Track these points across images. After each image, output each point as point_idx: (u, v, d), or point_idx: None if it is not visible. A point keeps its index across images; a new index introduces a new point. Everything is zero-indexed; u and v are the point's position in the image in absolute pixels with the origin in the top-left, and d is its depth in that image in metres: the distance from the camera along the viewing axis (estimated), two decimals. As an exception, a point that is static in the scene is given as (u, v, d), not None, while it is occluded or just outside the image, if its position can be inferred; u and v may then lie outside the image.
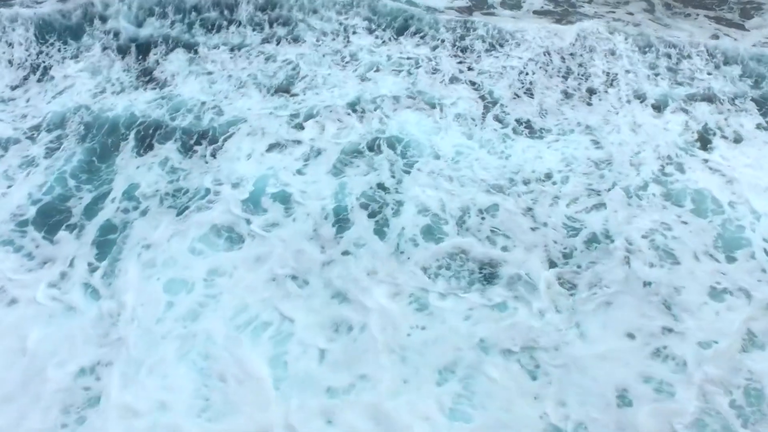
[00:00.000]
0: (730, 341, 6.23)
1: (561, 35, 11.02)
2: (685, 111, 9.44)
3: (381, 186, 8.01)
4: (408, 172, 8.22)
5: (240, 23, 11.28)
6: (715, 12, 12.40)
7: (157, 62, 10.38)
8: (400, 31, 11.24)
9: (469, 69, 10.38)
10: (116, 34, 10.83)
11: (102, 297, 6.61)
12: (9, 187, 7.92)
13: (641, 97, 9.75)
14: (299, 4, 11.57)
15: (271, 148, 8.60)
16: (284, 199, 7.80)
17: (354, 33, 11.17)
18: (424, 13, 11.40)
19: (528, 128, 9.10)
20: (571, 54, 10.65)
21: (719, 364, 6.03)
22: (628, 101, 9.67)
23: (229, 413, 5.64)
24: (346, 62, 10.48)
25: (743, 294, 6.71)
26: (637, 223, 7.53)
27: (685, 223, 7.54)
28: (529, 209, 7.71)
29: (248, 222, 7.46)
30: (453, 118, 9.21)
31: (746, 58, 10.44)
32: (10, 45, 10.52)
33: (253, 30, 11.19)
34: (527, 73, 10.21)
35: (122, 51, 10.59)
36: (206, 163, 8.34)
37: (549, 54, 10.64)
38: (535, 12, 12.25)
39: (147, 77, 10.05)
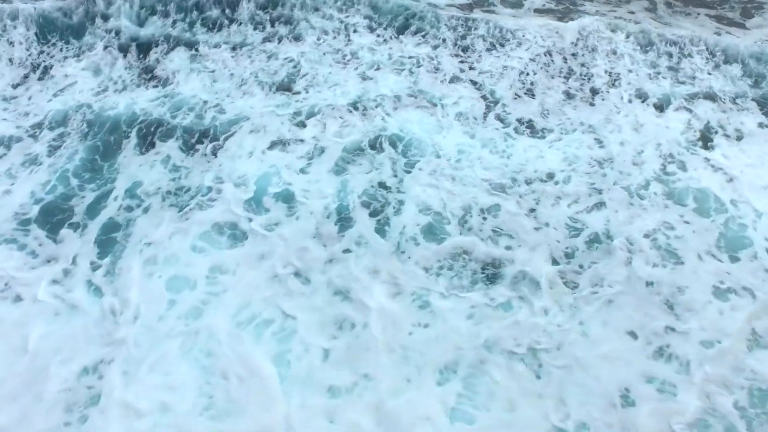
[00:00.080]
0: (734, 341, 6.24)
1: (562, 33, 11.02)
2: (687, 110, 9.44)
3: (383, 185, 8.01)
4: (410, 171, 8.22)
5: (241, 22, 11.27)
6: (716, 11, 12.41)
7: (158, 60, 10.36)
8: (401, 30, 11.23)
9: (471, 68, 10.37)
10: (118, 33, 10.83)
11: (105, 295, 6.61)
12: (12, 185, 7.92)
13: (643, 96, 9.74)
14: (300, 2, 11.56)
15: (273, 146, 8.60)
16: (286, 197, 7.80)
17: (355, 31, 11.16)
18: (425, 11, 11.39)
19: (529, 128, 9.10)
20: (573, 54, 10.65)
21: (722, 364, 6.04)
22: (630, 100, 9.66)
23: (231, 411, 5.65)
24: (348, 60, 10.47)
25: (747, 293, 6.71)
26: (640, 222, 7.53)
27: (687, 222, 7.55)
28: (531, 209, 7.71)
29: (250, 220, 7.47)
30: (455, 117, 9.20)
31: (746, 56, 10.43)
32: (11, 43, 10.50)
33: (255, 29, 11.19)
34: (528, 74, 10.20)
35: (124, 49, 10.58)
36: (208, 161, 8.34)
37: (550, 53, 10.64)
38: (536, 10, 12.25)
39: (149, 75, 10.04)
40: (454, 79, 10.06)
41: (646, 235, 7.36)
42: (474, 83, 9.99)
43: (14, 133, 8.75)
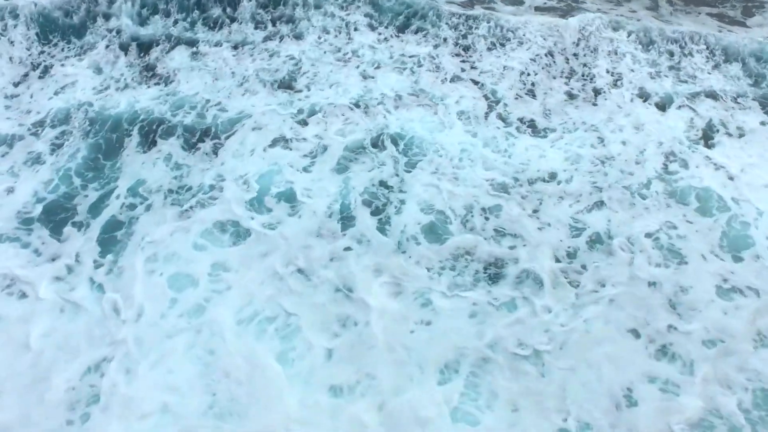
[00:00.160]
0: (738, 341, 6.24)
1: (563, 30, 11.01)
2: (689, 108, 9.44)
3: (384, 184, 8.01)
4: (411, 170, 8.22)
5: (242, 20, 11.26)
6: (717, 9, 12.41)
7: (159, 59, 10.35)
8: (402, 29, 11.23)
9: (472, 67, 10.36)
10: (119, 32, 10.81)
11: (107, 293, 6.61)
12: (15, 183, 7.91)
13: (645, 96, 9.74)
14: (302, 0, 11.55)
15: (275, 144, 8.60)
16: (288, 195, 7.80)
17: (356, 30, 11.15)
18: (426, 10, 11.38)
19: (531, 127, 9.10)
20: (575, 54, 10.65)
21: (726, 364, 6.05)
22: (632, 99, 9.66)
23: (234, 409, 5.65)
24: (349, 59, 10.47)
25: (752, 293, 6.72)
26: (642, 221, 7.54)
27: (690, 222, 7.55)
28: (534, 209, 7.71)
29: (252, 218, 7.47)
30: (456, 116, 9.20)
31: (747, 54, 10.44)
32: (12, 43, 10.48)
33: (256, 27, 11.18)
34: (529, 74, 10.20)
35: (125, 48, 10.57)
36: (210, 159, 8.34)
37: (551, 52, 10.64)
38: (536, 8, 12.24)
39: (150, 73, 10.03)
40: (455, 79, 10.06)
41: (649, 235, 7.36)
42: (475, 82, 9.99)
43: (17, 131, 8.74)
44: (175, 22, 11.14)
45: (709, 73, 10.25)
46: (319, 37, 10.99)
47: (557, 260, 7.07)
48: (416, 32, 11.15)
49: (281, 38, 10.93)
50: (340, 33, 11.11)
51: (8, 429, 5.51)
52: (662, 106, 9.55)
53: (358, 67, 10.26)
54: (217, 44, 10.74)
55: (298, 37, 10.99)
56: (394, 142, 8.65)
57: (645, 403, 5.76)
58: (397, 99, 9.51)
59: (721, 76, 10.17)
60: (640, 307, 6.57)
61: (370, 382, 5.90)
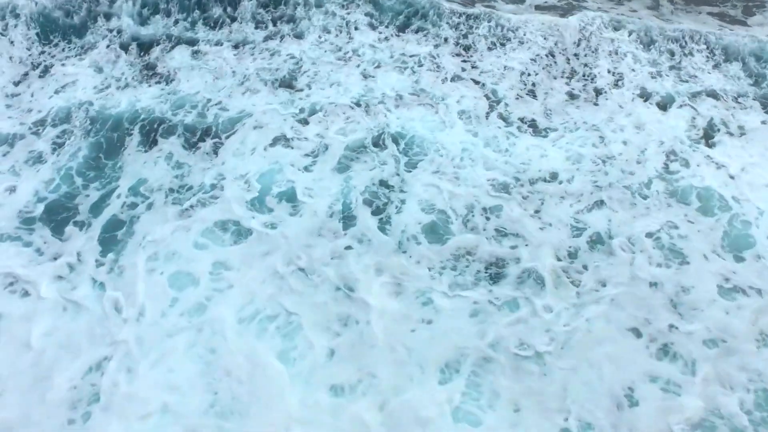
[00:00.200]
0: (740, 341, 6.24)
1: (564, 30, 11.00)
2: (690, 108, 9.44)
3: (385, 183, 8.01)
4: (412, 170, 8.22)
5: (243, 20, 11.25)
6: (718, 8, 12.41)
7: (158, 58, 10.34)
8: (403, 28, 11.23)
9: (473, 67, 10.36)
10: (120, 31, 10.81)
11: (109, 292, 6.61)
12: (16, 183, 7.90)
13: (646, 95, 9.74)
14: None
15: (276, 143, 8.59)
16: (289, 194, 7.80)
17: (356, 29, 11.15)
18: (427, 9, 11.38)
19: (532, 126, 9.10)
20: (575, 54, 10.64)
21: (728, 364, 6.04)
22: (632, 99, 9.66)
23: (235, 408, 5.65)
24: (349, 58, 10.46)
25: (754, 292, 6.72)
26: (643, 221, 7.54)
27: (691, 222, 7.55)
28: (535, 209, 7.71)
29: (252, 217, 7.46)
30: (457, 115, 9.19)
31: (747, 54, 10.44)
32: (12, 42, 10.47)
33: (256, 27, 11.18)
34: (530, 74, 10.19)
35: (125, 47, 10.56)
36: (211, 159, 8.34)
37: (552, 52, 10.64)
38: (537, 7, 12.23)
39: (151, 72, 10.02)
40: (455, 78, 10.05)
41: (650, 234, 7.36)
42: (476, 82, 9.99)
43: (18, 130, 8.73)
44: (176, 21, 11.13)
45: (710, 73, 10.25)
46: (320, 37, 10.98)
47: (558, 260, 7.07)
48: (417, 32, 11.15)
49: (282, 38, 10.92)
50: (340, 32, 11.11)
51: (10, 428, 5.51)
52: (663, 106, 9.55)
53: (358, 66, 10.26)
54: (218, 43, 10.74)
55: (299, 36, 10.99)
56: (395, 142, 8.65)
57: (646, 403, 5.76)
58: (398, 99, 9.50)
59: (722, 76, 10.17)
60: (642, 307, 6.57)
61: (371, 381, 5.90)
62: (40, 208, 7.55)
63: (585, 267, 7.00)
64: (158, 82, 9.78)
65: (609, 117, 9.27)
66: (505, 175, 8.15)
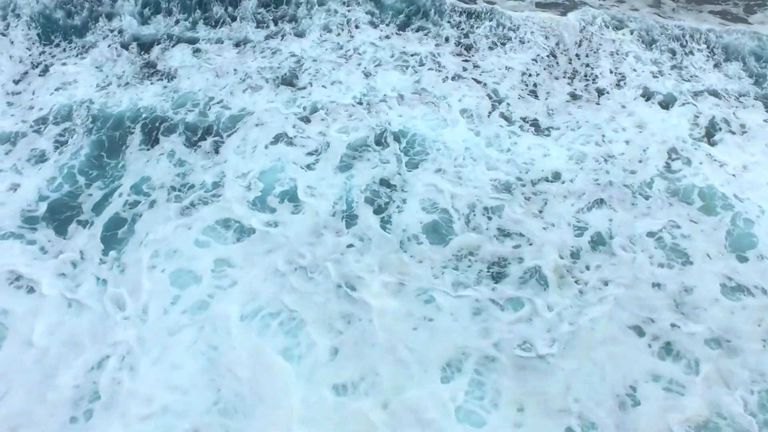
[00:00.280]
0: (744, 340, 6.24)
1: (564, 26, 10.99)
2: (692, 107, 9.44)
3: (387, 182, 8.00)
4: (414, 169, 8.21)
5: (244, 19, 11.24)
6: (720, 6, 12.40)
7: (159, 57, 10.32)
8: (403, 27, 11.22)
9: (475, 66, 10.35)
10: (121, 31, 10.79)
11: (111, 289, 6.61)
12: (19, 181, 7.89)
13: (647, 95, 9.74)
14: (304, -1, 11.59)
15: (277, 141, 8.58)
16: (290, 193, 7.80)
17: (357, 27, 11.14)
18: (428, 8, 11.36)
19: (534, 126, 9.08)
20: (577, 55, 10.63)
21: (731, 364, 6.05)
22: (634, 98, 9.66)
23: (239, 406, 5.66)
24: (350, 56, 10.45)
25: (759, 291, 6.72)
26: (645, 220, 7.54)
27: (693, 221, 7.55)
28: (538, 208, 7.70)
29: (254, 216, 7.46)
30: (459, 114, 9.18)
31: (747, 53, 10.44)
32: (12, 42, 10.45)
33: (257, 26, 11.16)
34: (531, 74, 10.18)
35: (127, 46, 10.54)
36: (212, 157, 8.33)
37: (554, 52, 10.63)
38: (537, 4, 12.21)
39: (152, 71, 10.00)
40: (456, 78, 10.04)
41: (652, 234, 7.36)
42: (478, 82, 9.97)
43: (19, 128, 8.71)
44: (177, 21, 11.12)
45: (711, 72, 10.25)
46: (321, 35, 10.97)
47: (561, 259, 7.06)
48: (417, 30, 11.14)
49: (283, 36, 10.91)
50: (342, 31, 11.09)
51: (12, 426, 5.51)
52: (665, 105, 9.55)
53: (359, 64, 10.24)
54: (219, 42, 10.72)
55: (300, 34, 10.97)
56: (397, 140, 8.64)
57: (649, 403, 5.76)
58: (399, 97, 9.49)
59: (723, 75, 10.17)
60: (644, 307, 6.57)
61: (373, 379, 5.90)
62: (43, 206, 7.55)
63: (587, 266, 7.00)
64: (160, 80, 9.76)
65: (611, 116, 9.26)
66: (507, 175, 8.14)
